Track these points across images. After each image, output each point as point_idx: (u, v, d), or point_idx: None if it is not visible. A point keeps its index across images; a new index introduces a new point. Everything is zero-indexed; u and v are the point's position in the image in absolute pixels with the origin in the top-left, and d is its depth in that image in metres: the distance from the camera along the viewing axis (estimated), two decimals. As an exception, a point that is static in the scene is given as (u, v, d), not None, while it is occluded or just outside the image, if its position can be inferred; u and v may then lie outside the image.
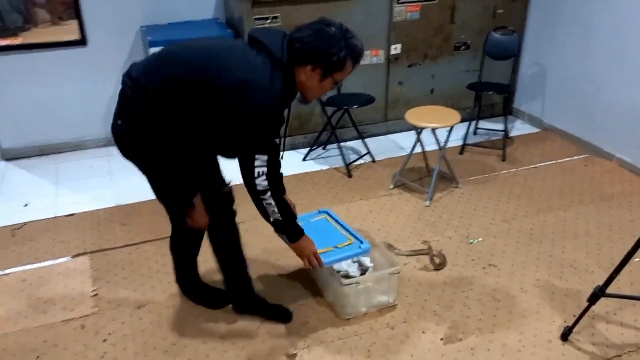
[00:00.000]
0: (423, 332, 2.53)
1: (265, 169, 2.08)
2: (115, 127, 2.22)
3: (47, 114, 4.25)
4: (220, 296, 2.70)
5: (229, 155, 2.22)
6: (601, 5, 3.96)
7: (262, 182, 2.10)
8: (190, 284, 2.72)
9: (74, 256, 3.09)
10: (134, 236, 3.25)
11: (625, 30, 3.83)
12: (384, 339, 2.49)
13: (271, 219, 2.21)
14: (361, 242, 2.54)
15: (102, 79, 4.24)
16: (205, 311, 2.66)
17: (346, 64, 2.07)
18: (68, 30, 4.06)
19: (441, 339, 2.49)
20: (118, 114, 2.20)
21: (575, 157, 4.19)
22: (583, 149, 4.29)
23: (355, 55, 2.10)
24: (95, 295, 2.78)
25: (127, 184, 3.75)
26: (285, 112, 2.22)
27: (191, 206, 2.27)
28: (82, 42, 4.10)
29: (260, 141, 2.08)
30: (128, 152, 2.24)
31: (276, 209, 2.18)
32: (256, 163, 2.07)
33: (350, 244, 2.57)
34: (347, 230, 2.68)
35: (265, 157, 2.07)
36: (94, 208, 3.54)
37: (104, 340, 2.49)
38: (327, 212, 2.87)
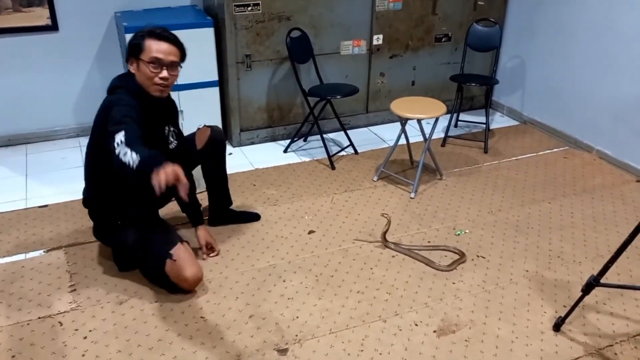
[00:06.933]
0: (416, 325, 2.48)
1: (123, 138, 2.18)
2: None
3: (15, 103, 4.06)
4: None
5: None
6: (580, 1, 4.00)
7: (119, 148, 2.16)
8: None
9: (47, 250, 2.95)
10: (111, 229, 3.12)
11: (600, 25, 3.86)
12: (377, 331, 2.44)
13: (134, 167, 2.10)
14: None
15: (75, 65, 4.08)
16: (191, 306, 2.56)
17: (145, 42, 2.43)
18: (35, 17, 3.87)
19: (434, 332, 2.45)
20: None
21: (556, 150, 4.22)
22: (563, 142, 4.32)
23: (150, 32, 2.45)
24: (73, 290, 2.65)
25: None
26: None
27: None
28: (53, 27, 3.92)
29: (116, 121, 2.28)
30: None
31: (135, 154, 2.11)
32: (116, 141, 2.19)
33: None
34: None
35: (122, 133, 2.20)
36: (67, 200, 3.39)
37: (85, 338, 2.37)
38: None
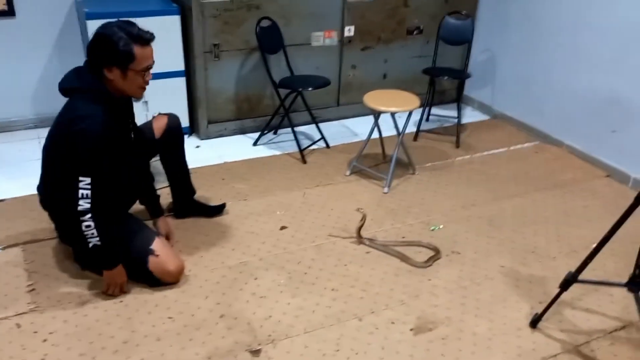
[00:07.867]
0: (392, 323, 2.42)
1: (89, 192, 2.24)
2: None
3: (-32, 91, 3.85)
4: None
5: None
6: (553, -7, 4.00)
7: (84, 204, 2.24)
8: None
9: (4, 247, 2.78)
10: (73, 225, 2.96)
11: (573, 19, 3.87)
12: (352, 330, 2.37)
13: (90, 245, 2.30)
14: None
15: (32, 54, 3.88)
16: (158, 306, 2.44)
17: (135, 51, 2.25)
18: (-10, 1, 3.67)
19: (411, 330, 2.40)
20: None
21: (527, 144, 4.23)
22: (533, 136, 4.33)
23: (137, 37, 2.25)
24: (31, 290, 2.50)
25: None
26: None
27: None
28: (10, 12, 3.71)
29: (85, 164, 2.25)
30: None
31: (96, 233, 2.27)
32: (80, 185, 2.23)
33: None
34: None
35: (88, 180, 2.24)
36: (25, 194, 3.21)
37: (44, 341, 2.23)
38: None
